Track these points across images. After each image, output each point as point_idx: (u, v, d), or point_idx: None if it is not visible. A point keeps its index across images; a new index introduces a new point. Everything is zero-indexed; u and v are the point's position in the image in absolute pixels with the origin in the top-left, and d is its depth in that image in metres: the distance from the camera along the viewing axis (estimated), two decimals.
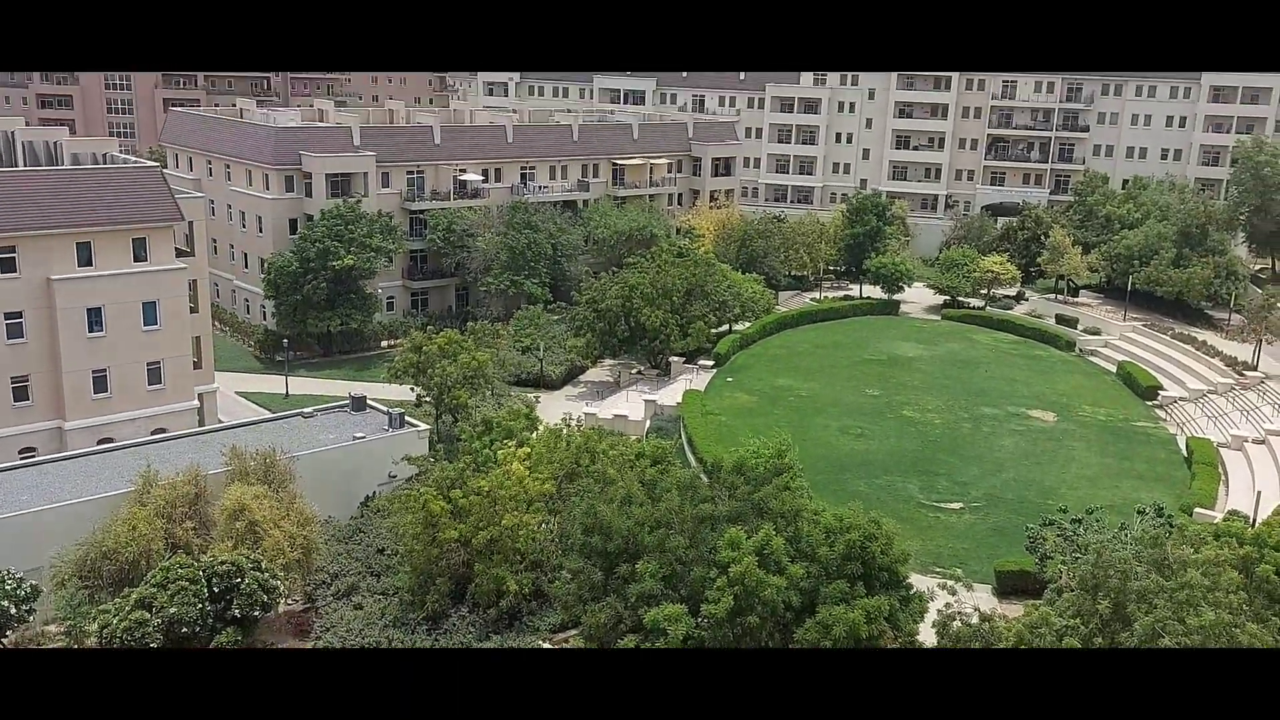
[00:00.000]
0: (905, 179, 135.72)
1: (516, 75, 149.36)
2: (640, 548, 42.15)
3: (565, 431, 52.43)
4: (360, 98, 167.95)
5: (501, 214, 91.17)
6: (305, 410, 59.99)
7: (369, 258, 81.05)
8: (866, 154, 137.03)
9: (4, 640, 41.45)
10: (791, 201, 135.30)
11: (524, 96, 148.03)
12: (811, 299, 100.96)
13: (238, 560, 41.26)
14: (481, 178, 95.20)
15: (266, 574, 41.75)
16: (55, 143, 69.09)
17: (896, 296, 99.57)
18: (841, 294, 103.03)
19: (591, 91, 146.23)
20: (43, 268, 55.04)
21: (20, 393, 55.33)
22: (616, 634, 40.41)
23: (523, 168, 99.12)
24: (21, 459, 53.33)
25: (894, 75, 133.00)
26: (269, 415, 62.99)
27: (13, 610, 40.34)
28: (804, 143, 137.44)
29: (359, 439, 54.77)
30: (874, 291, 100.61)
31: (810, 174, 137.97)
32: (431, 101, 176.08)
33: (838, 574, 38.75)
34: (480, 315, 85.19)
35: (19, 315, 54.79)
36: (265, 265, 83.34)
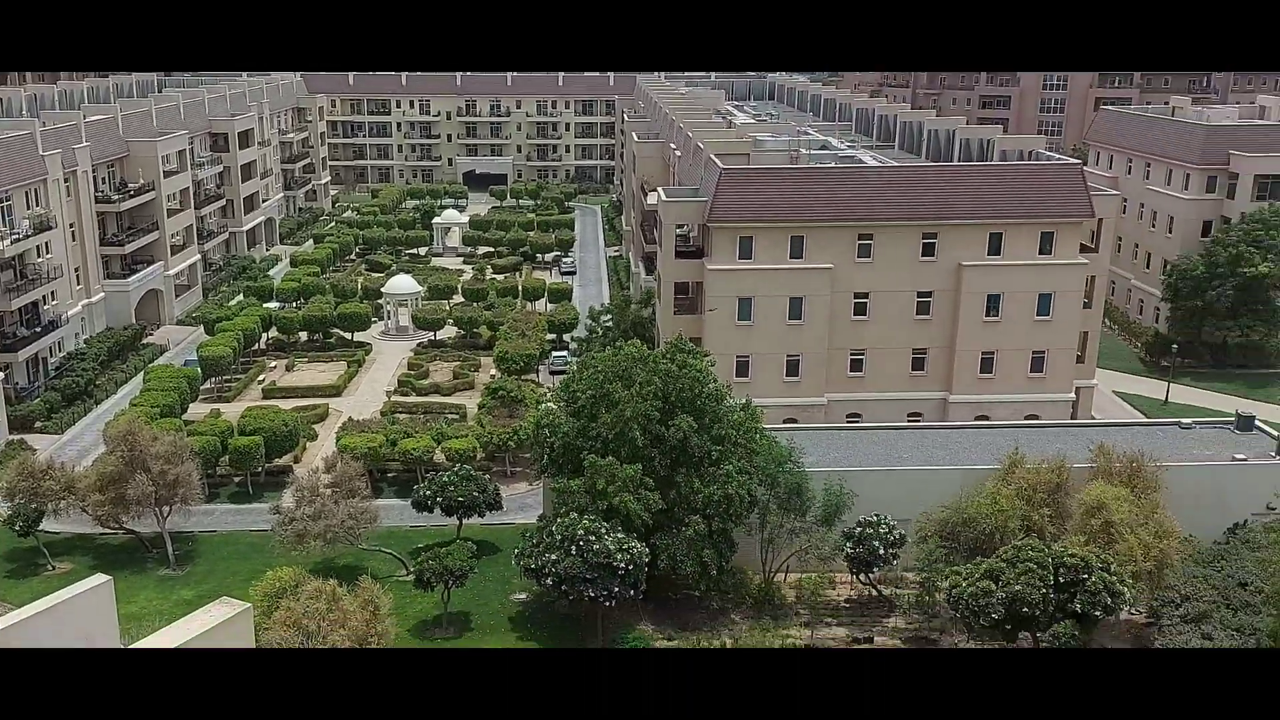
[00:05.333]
0: None
1: None
2: None
3: None
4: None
5: None
6: (1184, 421, 56.88)
7: None
8: None
9: (872, 574, 47.65)
10: None
11: None
12: None
13: (1087, 556, 41.36)
14: None
15: (1114, 577, 41.15)
16: (988, 140, 75.11)
17: None
18: None
19: None
20: (957, 254, 60.69)
21: (918, 364, 62.20)
22: None
23: None
24: (909, 422, 60.11)
25: None
26: (1143, 420, 61.16)
27: (881, 550, 46.20)
28: None
29: (1239, 460, 50.29)
30: None
31: None
32: None
33: None
34: None
35: (929, 295, 61.37)
36: (1167, 267, 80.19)
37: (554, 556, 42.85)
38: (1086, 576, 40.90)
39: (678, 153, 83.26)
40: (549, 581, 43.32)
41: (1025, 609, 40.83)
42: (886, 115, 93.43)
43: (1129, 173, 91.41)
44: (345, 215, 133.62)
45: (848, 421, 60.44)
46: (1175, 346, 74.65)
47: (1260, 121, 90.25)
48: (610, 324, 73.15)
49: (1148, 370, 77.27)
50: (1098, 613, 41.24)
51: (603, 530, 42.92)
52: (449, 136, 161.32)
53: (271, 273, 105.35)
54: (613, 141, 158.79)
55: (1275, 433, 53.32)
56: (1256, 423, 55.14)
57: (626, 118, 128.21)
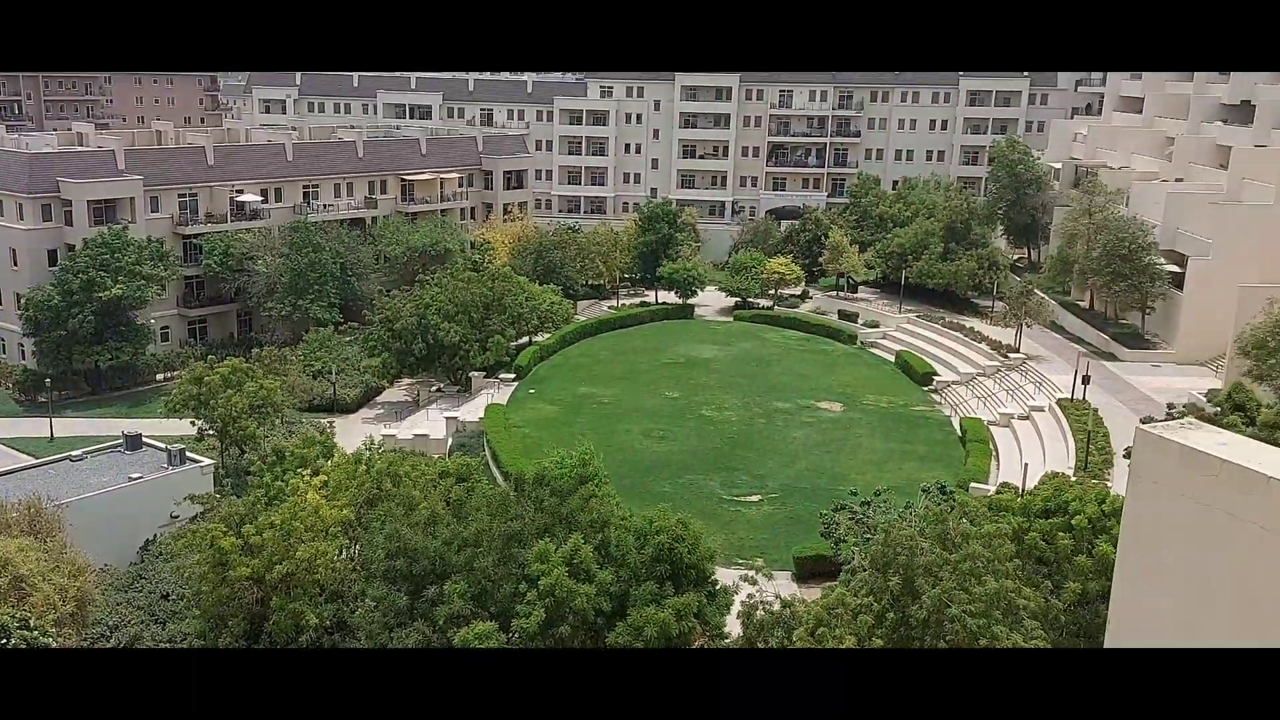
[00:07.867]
0: (693, 186, 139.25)
1: (295, 92, 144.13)
2: (448, 568, 41.33)
3: (366, 456, 50.85)
4: (124, 119, 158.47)
5: (284, 234, 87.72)
6: (74, 453, 55.72)
7: (139, 286, 76.40)
8: (655, 164, 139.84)
9: None
10: (585, 212, 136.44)
11: (304, 113, 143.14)
12: (609, 307, 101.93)
13: (1, 620, 37.79)
14: (261, 198, 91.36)
15: (35, 632, 38.39)
16: None
17: (690, 301, 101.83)
18: (638, 301, 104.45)
19: (376, 107, 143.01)
20: None
21: None
22: None
23: (305, 186, 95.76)
24: None
25: (677, 87, 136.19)
26: (32, 461, 58.19)
27: None
28: (594, 154, 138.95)
29: (135, 479, 51.33)
30: (669, 297, 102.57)
31: (602, 184, 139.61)
32: (204, 121, 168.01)
33: (647, 576, 39.18)
34: (266, 341, 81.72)
35: None
36: (22, 300, 77.16)
37: None
38: (5, 641, 37.42)
39: None
40: None
41: None
42: None
43: None
44: None
45: None
46: (49, 381, 72.47)
47: (81, 149, 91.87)
48: None
49: (26, 410, 73.59)
50: None
51: None
52: None
53: None
54: None
55: (163, 446, 55.68)
56: (145, 440, 56.80)
57: None
